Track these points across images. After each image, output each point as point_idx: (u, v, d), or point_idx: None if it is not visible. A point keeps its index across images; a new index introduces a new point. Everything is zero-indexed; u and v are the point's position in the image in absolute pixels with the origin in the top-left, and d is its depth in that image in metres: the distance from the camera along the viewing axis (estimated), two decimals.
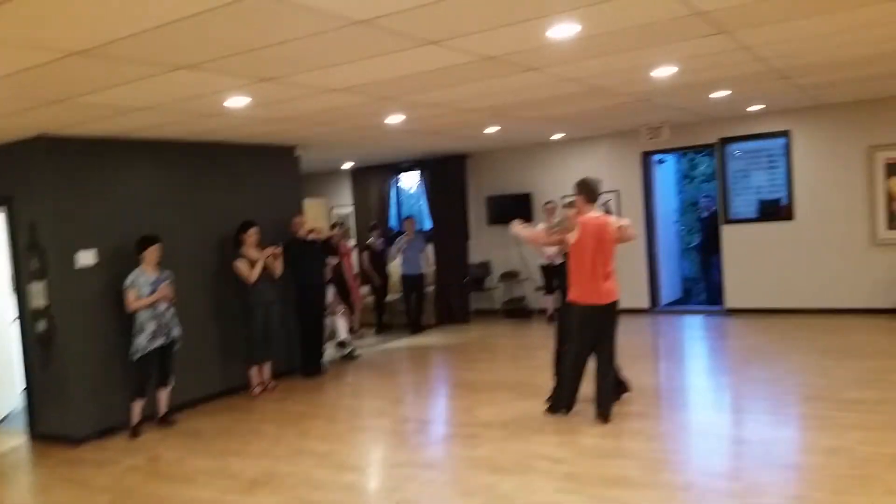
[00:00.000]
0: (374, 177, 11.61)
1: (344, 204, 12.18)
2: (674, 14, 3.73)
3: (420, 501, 4.25)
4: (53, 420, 6.22)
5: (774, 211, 9.06)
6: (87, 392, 6.11)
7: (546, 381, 5.95)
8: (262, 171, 7.82)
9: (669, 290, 10.52)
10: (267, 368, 7.43)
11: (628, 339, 8.58)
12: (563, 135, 9.57)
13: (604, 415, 5.27)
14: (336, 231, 9.89)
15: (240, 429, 6.13)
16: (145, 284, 6.16)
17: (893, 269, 8.39)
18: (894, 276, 8.38)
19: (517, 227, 5.64)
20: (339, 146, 8.33)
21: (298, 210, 8.09)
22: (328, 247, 8.10)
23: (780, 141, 8.91)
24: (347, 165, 11.45)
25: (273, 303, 7.31)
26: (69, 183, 6.05)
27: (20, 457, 5.97)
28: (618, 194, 9.99)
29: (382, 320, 10.52)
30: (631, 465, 4.51)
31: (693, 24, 3.97)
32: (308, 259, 7.73)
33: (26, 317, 6.22)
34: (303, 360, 7.88)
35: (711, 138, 9.30)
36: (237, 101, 4.98)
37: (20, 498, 5.05)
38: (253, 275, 7.05)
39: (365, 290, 10.61)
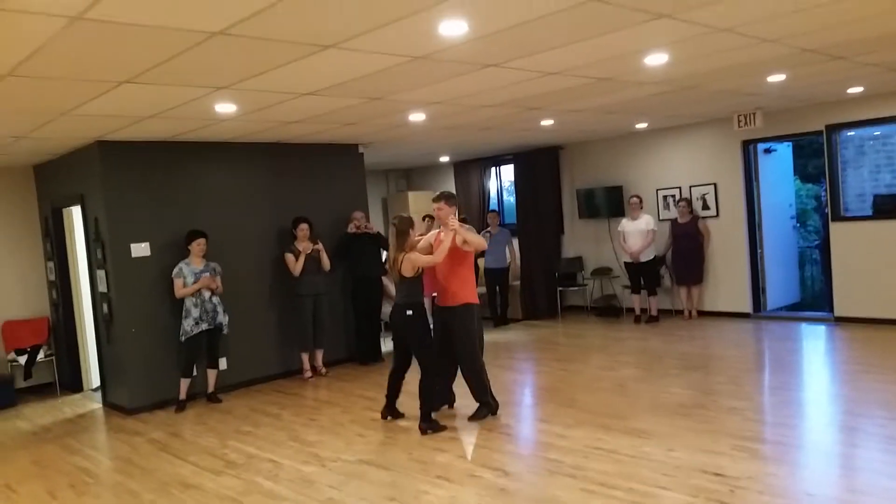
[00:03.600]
0: (473, 170, 11.60)
1: None
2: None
3: (345, 501, 4.29)
4: (116, 391, 7.03)
5: (892, 208, 7.78)
6: (140, 369, 6.81)
7: (575, 391, 5.64)
8: (325, 167, 8.16)
9: (780, 293, 9.42)
10: (319, 355, 7.79)
11: (671, 346, 7.87)
12: (646, 125, 8.91)
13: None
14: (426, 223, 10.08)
15: (264, 411, 6.51)
16: (190, 274, 6.74)
17: None
18: None
19: (455, 224, 5.33)
20: (399, 143, 8.44)
21: (359, 205, 8.33)
22: (382, 241, 8.29)
23: None
24: (445, 159, 11.53)
25: (322, 293, 7.63)
26: (124, 182, 6.74)
27: (84, 420, 6.81)
28: (715, 187, 9.14)
29: None
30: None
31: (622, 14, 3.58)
32: (361, 252, 7.97)
33: (96, 298, 7.07)
34: (358, 348, 8.16)
35: (817, 125, 8.16)
36: (225, 108, 5.28)
37: (54, 452, 5.76)
38: (296, 268, 7.41)
39: None
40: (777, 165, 9.41)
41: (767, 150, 9.14)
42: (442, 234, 5.51)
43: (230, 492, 4.59)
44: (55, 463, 5.50)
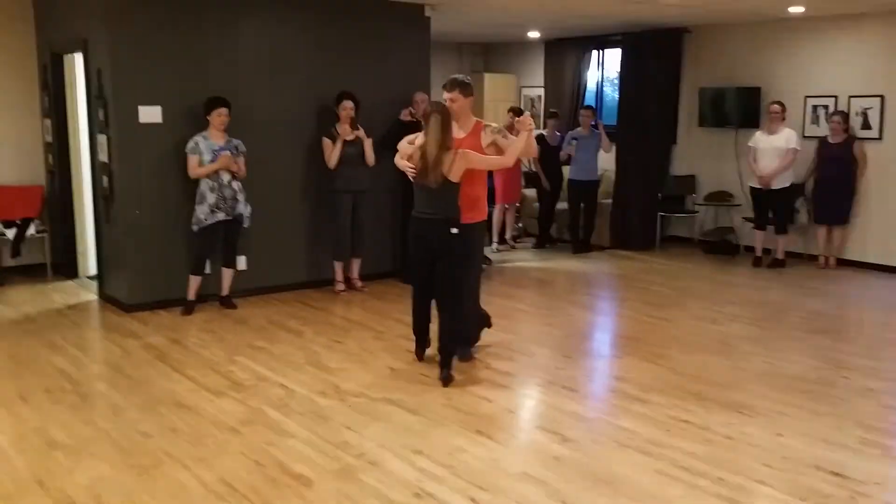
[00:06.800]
0: (569, 52, 11.09)
1: (535, 84, 11.83)
2: None
3: (363, 448, 4.23)
4: (114, 282, 7.14)
5: None
6: (143, 258, 6.85)
7: (665, 345, 5.74)
8: (381, 33, 7.90)
9: None
10: (355, 265, 7.70)
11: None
12: (803, 9, 8.18)
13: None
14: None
15: (283, 325, 6.53)
16: (207, 150, 6.63)
17: None
18: None
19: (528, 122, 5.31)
20: (478, 5, 8.01)
21: (421, 86, 8.01)
22: None
23: None
24: (535, 35, 11.01)
25: (364, 191, 7.46)
26: (135, 30, 6.61)
27: (75, 314, 6.95)
28: (882, 100, 8.50)
29: (548, 232, 10.25)
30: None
31: None
32: None
33: (96, 169, 7.09)
34: (402, 262, 8.03)
35: None
36: None
37: (34, 349, 5.86)
38: (332, 157, 7.21)
39: (532, 193, 10.40)
40: None
41: None
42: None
43: (229, 418, 4.60)
44: (34, 361, 5.62)
